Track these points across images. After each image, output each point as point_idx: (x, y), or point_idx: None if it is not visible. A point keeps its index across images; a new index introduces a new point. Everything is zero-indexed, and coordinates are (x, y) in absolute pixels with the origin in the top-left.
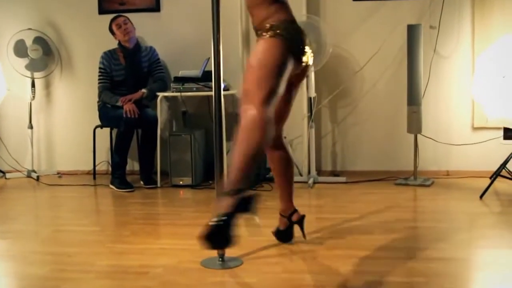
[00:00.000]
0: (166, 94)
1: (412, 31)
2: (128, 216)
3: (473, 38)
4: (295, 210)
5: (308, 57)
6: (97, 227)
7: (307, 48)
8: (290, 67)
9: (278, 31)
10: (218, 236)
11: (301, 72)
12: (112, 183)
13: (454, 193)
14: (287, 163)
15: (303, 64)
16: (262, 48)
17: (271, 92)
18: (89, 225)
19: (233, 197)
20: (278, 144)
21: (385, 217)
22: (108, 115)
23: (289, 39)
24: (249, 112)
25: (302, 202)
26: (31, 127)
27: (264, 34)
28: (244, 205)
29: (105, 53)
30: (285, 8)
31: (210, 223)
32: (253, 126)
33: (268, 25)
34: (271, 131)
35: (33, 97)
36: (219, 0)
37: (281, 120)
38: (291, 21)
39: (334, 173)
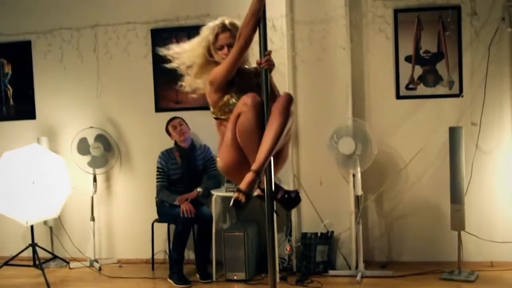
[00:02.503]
0: (220, 193)
1: (454, 133)
2: None
3: None
4: None
5: None
6: None
7: None
8: None
9: None
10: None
11: None
12: (170, 277)
13: None
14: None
15: None
16: None
17: None
18: None
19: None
20: None
21: None
22: (166, 212)
23: None
24: None
25: None
26: (93, 219)
27: None
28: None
29: (162, 153)
30: None
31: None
32: None
33: None
34: None
35: (95, 191)
36: (268, 105)
37: None
38: None
39: (381, 265)
